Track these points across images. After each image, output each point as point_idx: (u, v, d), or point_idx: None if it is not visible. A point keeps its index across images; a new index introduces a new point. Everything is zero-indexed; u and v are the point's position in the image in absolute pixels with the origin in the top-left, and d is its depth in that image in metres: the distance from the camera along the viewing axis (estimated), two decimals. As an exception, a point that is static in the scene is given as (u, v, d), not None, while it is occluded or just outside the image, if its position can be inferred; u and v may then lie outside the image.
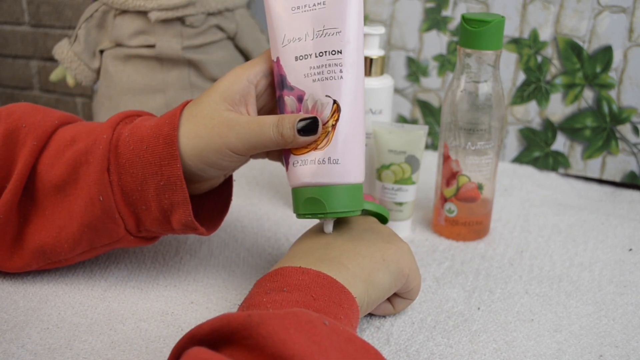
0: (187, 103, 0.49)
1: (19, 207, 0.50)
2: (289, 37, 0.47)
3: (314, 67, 0.47)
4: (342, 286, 0.43)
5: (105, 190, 0.48)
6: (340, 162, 0.46)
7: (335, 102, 0.46)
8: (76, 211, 0.49)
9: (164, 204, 0.48)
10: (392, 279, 0.46)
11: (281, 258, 0.49)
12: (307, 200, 0.47)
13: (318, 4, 0.47)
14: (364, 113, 0.48)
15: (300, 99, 0.47)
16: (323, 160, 0.46)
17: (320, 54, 0.46)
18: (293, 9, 0.47)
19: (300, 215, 0.48)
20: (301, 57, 0.47)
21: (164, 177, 0.47)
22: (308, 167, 0.47)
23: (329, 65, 0.46)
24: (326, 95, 0.46)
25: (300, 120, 0.46)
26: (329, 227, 0.49)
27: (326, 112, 0.46)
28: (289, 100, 0.48)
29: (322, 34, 0.47)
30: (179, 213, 0.48)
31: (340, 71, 0.46)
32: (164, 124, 0.47)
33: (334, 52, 0.46)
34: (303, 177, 0.47)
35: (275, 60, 0.48)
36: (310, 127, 0.46)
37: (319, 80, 0.46)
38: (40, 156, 0.50)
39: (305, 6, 0.47)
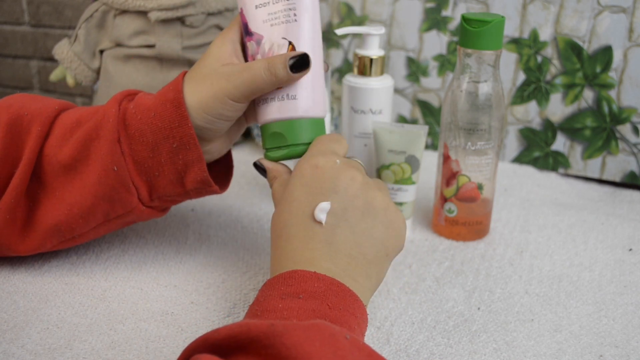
0: (185, 72, 0.52)
1: (27, 191, 0.52)
2: None
3: (271, 13, 0.51)
4: (355, 295, 0.43)
5: (118, 161, 0.50)
6: (297, 97, 0.50)
7: (290, 43, 0.50)
8: (89, 185, 0.51)
9: (177, 165, 0.51)
10: (390, 263, 0.48)
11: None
12: (271, 135, 0.51)
13: None
14: (321, 52, 0.52)
15: (258, 42, 0.51)
16: (282, 97, 0.50)
17: (277, 1, 0.50)
18: None
19: (267, 150, 0.52)
20: (260, 5, 0.51)
21: (176, 139, 0.50)
22: (269, 105, 0.51)
23: (284, 10, 0.50)
24: (282, 38, 0.50)
25: (291, 58, 0.49)
26: (322, 216, 0.45)
27: (282, 53, 0.50)
28: (250, 45, 0.52)
29: None
30: (194, 171, 0.51)
31: (295, 14, 0.50)
32: (168, 90, 0.50)
33: None
34: (266, 115, 0.51)
35: (240, 10, 0.53)
36: (302, 63, 0.49)
37: (276, 24, 0.51)
38: (46, 141, 0.52)
39: None
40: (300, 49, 0.50)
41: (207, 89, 0.49)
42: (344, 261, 0.44)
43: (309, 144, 0.50)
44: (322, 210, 0.45)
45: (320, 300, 0.41)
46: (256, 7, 0.51)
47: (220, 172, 0.57)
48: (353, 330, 0.41)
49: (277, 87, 0.50)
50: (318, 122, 0.51)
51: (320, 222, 0.45)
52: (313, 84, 0.51)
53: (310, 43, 0.50)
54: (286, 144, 0.51)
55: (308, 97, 0.51)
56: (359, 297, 0.43)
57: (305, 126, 0.51)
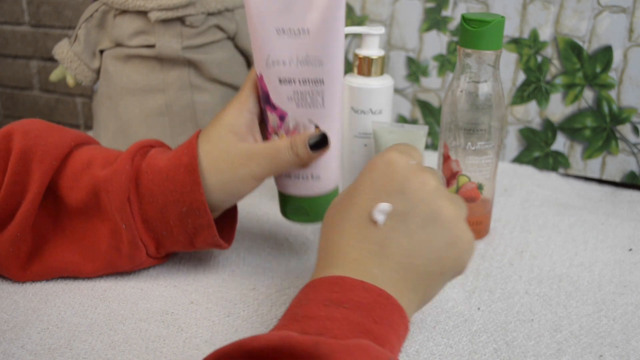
0: (199, 133, 0.51)
1: (35, 225, 0.52)
2: (273, 59, 0.49)
3: (297, 93, 0.49)
4: (402, 309, 0.40)
5: (127, 219, 0.50)
6: (321, 177, 0.52)
7: (317, 126, 0.50)
8: (102, 235, 0.52)
9: (187, 228, 0.51)
10: (445, 283, 0.44)
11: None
12: (292, 207, 0.53)
13: (303, 31, 0.48)
14: (341, 131, 0.52)
15: (282, 117, 0.50)
16: (305, 176, 0.52)
17: (304, 82, 0.49)
18: (278, 31, 0.48)
19: (286, 217, 0.54)
20: (285, 81, 0.49)
21: (186, 204, 0.50)
22: (293, 181, 0.52)
23: (312, 93, 0.49)
24: (308, 120, 0.50)
25: (311, 137, 0.49)
26: (380, 217, 0.42)
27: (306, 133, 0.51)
28: (272, 117, 0.51)
29: (305, 62, 0.49)
30: (204, 235, 0.51)
31: (322, 99, 0.49)
32: (182, 154, 0.50)
33: (316, 82, 0.49)
34: (288, 188, 0.53)
35: (259, 75, 0.50)
36: (321, 143, 0.50)
37: (302, 106, 0.50)
38: (58, 177, 0.52)
39: (290, 30, 0.48)
40: (326, 131, 0.50)
41: (227, 168, 0.49)
42: (393, 269, 0.41)
43: None
44: (381, 212, 0.42)
45: (366, 313, 0.38)
46: (280, 81, 0.49)
47: (225, 224, 0.56)
48: (394, 348, 0.39)
49: (300, 167, 0.50)
50: (335, 192, 0.54)
51: (376, 223, 0.42)
52: (333, 161, 0.52)
53: (336, 127, 0.51)
54: (307, 218, 0.53)
55: (330, 177, 0.52)
56: (405, 312, 0.40)
57: (326, 200, 0.53)
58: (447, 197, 0.43)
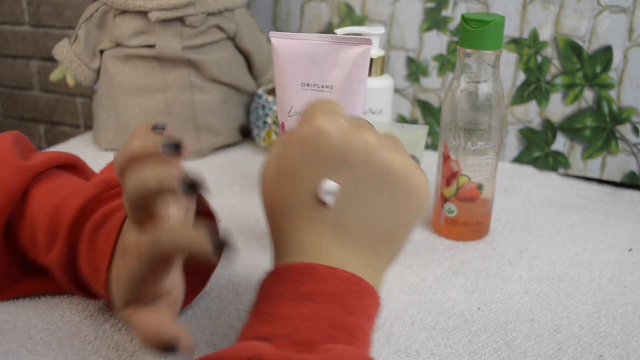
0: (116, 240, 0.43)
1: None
2: (296, 109, 0.52)
3: None
4: (374, 291, 0.38)
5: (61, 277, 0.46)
6: None
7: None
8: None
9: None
10: (411, 233, 0.41)
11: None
12: None
13: (326, 87, 0.51)
14: None
15: None
16: None
17: None
18: (302, 84, 0.51)
19: None
20: None
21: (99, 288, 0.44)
22: None
23: None
24: None
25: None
26: (329, 198, 0.39)
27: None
28: None
29: None
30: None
31: None
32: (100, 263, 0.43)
33: None
34: None
35: (281, 124, 0.54)
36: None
37: None
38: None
39: (314, 85, 0.51)
40: None
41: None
42: (356, 244, 0.39)
43: None
44: (328, 192, 0.38)
45: (337, 305, 0.36)
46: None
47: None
48: (366, 335, 0.37)
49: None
50: None
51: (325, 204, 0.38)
52: None
53: None
54: None
55: None
56: (376, 292, 0.38)
57: None
58: (391, 148, 0.39)
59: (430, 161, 0.79)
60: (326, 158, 0.38)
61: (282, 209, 0.40)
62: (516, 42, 0.77)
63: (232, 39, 0.83)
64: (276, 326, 0.35)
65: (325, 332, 0.35)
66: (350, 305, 0.36)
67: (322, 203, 0.38)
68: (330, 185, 0.38)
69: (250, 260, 0.58)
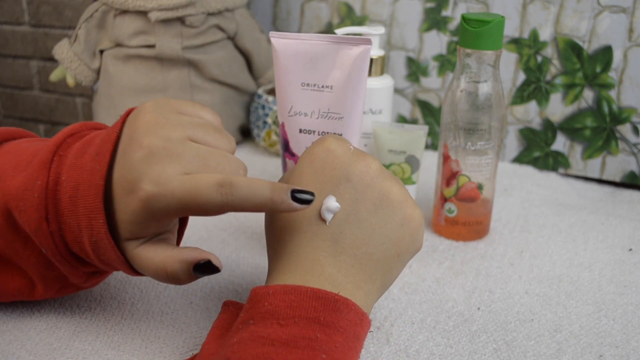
0: (121, 125, 0.41)
1: None
2: (295, 109, 0.52)
3: None
4: (364, 315, 0.39)
5: (47, 243, 0.41)
6: None
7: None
8: (32, 260, 0.43)
9: (101, 259, 0.42)
10: (403, 266, 0.43)
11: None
12: None
13: (326, 87, 0.51)
14: None
15: None
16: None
17: (323, 134, 0.51)
18: (302, 84, 0.51)
19: None
20: (305, 131, 0.52)
21: (93, 233, 0.40)
22: None
23: None
24: None
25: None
26: (328, 216, 0.41)
27: None
28: (290, 163, 0.54)
29: (326, 116, 0.51)
30: (122, 269, 0.43)
31: None
32: (96, 164, 0.40)
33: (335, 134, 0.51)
34: None
35: (281, 124, 0.53)
36: (208, 269, 0.41)
37: None
38: None
39: (314, 85, 0.51)
40: None
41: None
42: (348, 263, 0.40)
43: None
44: (329, 210, 0.41)
45: (322, 332, 0.36)
46: (300, 131, 0.52)
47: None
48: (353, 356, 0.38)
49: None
50: None
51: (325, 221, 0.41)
52: None
53: None
54: None
55: None
56: (366, 314, 0.39)
57: None
58: (391, 178, 0.42)
59: (430, 161, 0.79)
60: (332, 175, 0.41)
61: (285, 221, 0.42)
62: (516, 42, 0.77)
63: (232, 39, 0.83)
64: (258, 349, 0.35)
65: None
66: (340, 328, 0.37)
67: (323, 220, 0.41)
68: (332, 203, 0.41)
69: (250, 261, 0.58)
